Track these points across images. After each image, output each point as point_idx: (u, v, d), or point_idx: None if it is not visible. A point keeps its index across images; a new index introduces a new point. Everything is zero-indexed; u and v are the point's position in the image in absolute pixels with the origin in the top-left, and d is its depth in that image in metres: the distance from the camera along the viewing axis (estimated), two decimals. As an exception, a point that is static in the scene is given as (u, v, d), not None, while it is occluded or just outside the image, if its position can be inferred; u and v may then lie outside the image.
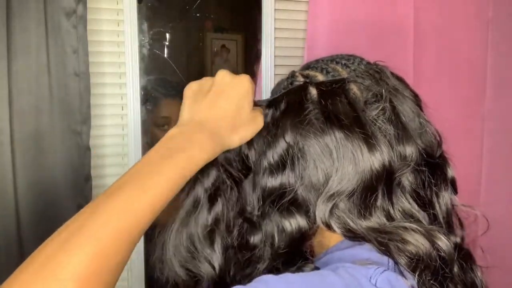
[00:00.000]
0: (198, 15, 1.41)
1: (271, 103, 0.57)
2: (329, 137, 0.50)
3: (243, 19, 1.53)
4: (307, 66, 0.59)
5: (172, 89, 1.38)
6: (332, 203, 0.50)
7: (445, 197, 0.55)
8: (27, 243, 1.01)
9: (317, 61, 0.59)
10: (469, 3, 1.46)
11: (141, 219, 0.45)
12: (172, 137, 0.51)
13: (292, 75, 0.59)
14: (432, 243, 0.48)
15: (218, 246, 0.55)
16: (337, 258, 0.51)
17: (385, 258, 0.49)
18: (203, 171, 0.55)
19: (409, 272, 0.47)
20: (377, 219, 0.49)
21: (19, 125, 1.00)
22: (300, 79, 0.57)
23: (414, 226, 0.49)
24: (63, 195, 1.04)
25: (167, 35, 1.35)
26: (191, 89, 0.56)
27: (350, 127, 0.50)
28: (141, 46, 1.24)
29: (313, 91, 0.54)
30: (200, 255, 0.55)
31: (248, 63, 1.52)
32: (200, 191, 0.56)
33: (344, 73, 0.55)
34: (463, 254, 0.56)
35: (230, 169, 0.57)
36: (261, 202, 0.54)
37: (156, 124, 1.36)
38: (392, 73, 0.58)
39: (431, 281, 0.48)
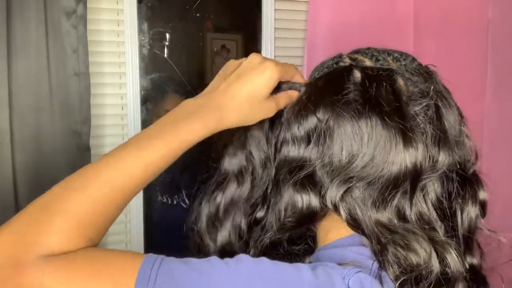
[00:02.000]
0: (198, 15, 1.41)
1: (311, 82, 0.55)
2: (365, 121, 0.48)
3: (243, 19, 1.53)
4: (357, 51, 0.57)
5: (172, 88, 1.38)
6: (347, 186, 0.48)
7: (470, 213, 0.51)
8: (27, 243, 1.01)
9: (368, 48, 0.57)
10: (469, 3, 1.46)
11: (133, 177, 0.46)
12: (184, 104, 0.52)
13: (339, 56, 0.56)
14: (441, 256, 0.46)
15: (235, 220, 0.56)
16: (327, 257, 0.50)
17: (371, 262, 0.47)
18: (236, 148, 0.56)
19: (392, 280, 0.45)
20: (389, 215, 0.47)
21: (19, 125, 1.00)
22: (347, 61, 0.55)
23: (425, 235, 0.46)
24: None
25: (167, 35, 1.35)
26: (227, 65, 0.56)
27: (390, 115, 0.48)
28: (141, 46, 1.24)
29: (357, 74, 0.51)
30: (221, 227, 0.56)
31: (248, 63, 1.52)
32: (230, 167, 0.57)
33: (393, 66, 0.53)
34: (478, 278, 0.53)
35: (263, 148, 0.57)
36: (278, 171, 0.53)
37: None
38: (441, 81, 0.57)
39: None
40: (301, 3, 1.34)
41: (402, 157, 0.47)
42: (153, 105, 1.34)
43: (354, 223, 0.48)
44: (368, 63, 0.54)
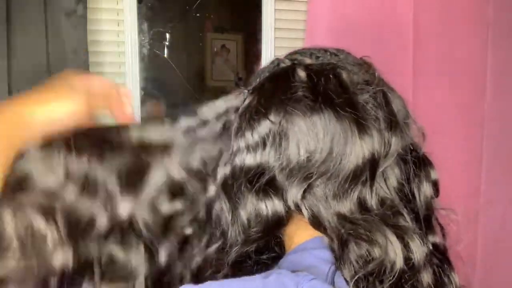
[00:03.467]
0: (198, 15, 1.41)
1: (254, 87, 0.53)
2: (318, 116, 0.47)
3: (243, 19, 1.53)
4: (294, 52, 0.56)
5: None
6: (307, 183, 0.47)
7: (426, 192, 0.51)
8: (27, 243, 1.01)
9: (304, 48, 0.57)
10: (469, 3, 1.46)
11: None
12: None
13: (277, 59, 0.56)
14: (405, 244, 0.46)
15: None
16: (289, 263, 0.49)
17: (328, 267, 0.46)
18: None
19: (347, 281, 0.44)
20: (350, 206, 0.46)
21: (19, 125, 1.00)
22: (287, 62, 0.54)
23: (389, 223, 0.46)
24: (63, 195, 1.04)
25: (167, 35, 1.35)
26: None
27: (342, 106, 0.47)
28: (141, 46, 1.24)
29: (302, 72, 0.50)
30: None
31: (248, 63, 1.52)
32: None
33: (333, 60, 0.53)
34: (442, 258, 0.52)
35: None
36: (234, 183, 0.50)
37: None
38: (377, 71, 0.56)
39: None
40: (301, 3, 1.34)
41: (359, 147, 0.46)
42: (153, 105, 1.34)
43: (316, 220, 0.47)
44: (308, 61, 0.53)
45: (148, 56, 1.30)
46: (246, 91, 0.53)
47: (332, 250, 0.47)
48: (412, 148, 0.51)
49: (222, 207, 0.50)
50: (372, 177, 0.47)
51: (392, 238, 0.45)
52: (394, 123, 0.49)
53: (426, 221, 0.50)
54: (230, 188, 0.50)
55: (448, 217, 0.55)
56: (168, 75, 1.38)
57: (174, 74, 1.36)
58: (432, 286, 0.47)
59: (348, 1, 1.29)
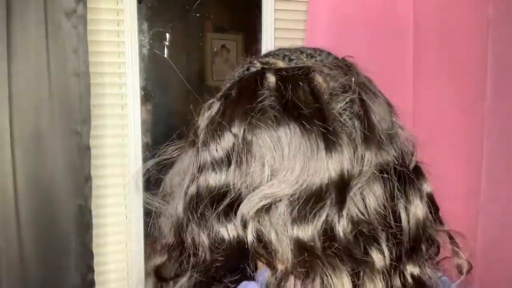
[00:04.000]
0: (198, 15, 1.41)
1: (222, 94, 0.48)
2: (283, 130, 0.42)
3: (243, 19, 1.53)
4: (268, 54, 0.51)
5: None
6: (261, 205, 0.41)
7: (417, 212, 0.44)
8: (27, 242, 1.01)
9: (279, 49, 0.52)
10: (469, 3, 1.46)
11: None
12: None
13: (249, 61, 0.51)
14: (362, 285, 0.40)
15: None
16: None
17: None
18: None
19: None
20: (312, 233, 0.40)
21: (19, 125, 1.00)
22: (258, 65, 0.49)
23: (350, 262, 0.40)
24: (63, 195, 1.04)
25: (167, 35, 1.35)
26: None
27: (309, 118, 0.42)
28: (141, 46, 1.24)
29: (271, 78, 0.45)
30: None
31: (248, 63, 1.52)
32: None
33: (309, 63, 0.48)
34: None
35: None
36: (197, 204, 0.45)
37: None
38: (361, 72, 0.50)
39: None
40: (301, 3, 1.34)
41: (324, 165, 0.41)
42: (153, 105, 1.34)
43: (262, 247, 0.42)
44: (281, 64, 0.48)
45: (148, 56, 1.30)
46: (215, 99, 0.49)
47: (268, 284, 0.42)
48: (398, 161, 0.45)
49: (190, 229, 0.46)
50: (341, 200, 0.41)
51: (344, 278, 0.40)
52: (369, 137, 0.43)
53: (411, 249, 0.44)
54: (195, 209, 0.45)
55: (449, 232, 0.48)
56: (168, 75, 1.37)
57: (174, 74, 1.36)
58: None
59: (348, 1, 1.29)
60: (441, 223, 0.47)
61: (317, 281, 0.39)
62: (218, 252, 0.44)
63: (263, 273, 0.43)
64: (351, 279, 0.40)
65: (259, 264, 0.47)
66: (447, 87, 1.44)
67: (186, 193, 0.46)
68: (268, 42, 1.32)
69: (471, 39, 1.47)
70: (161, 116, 1.38)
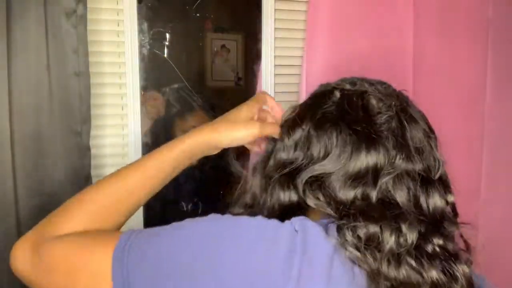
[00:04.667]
0: (198, 15, 1.41)
1: (301, 104, 0.68)
2: (335, 128, 0.60)
3: (243, 19, 1.53)
4: (340, 79, 0.69)
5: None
6: (311, 174, 0.59)
7: (436, 203, 0.58)
8: (27, 243, 1.01)
9: (352, 77, 0.69)
10: (469, 3, 1.46)
11: (132, 191, 0.66)
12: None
13: (327, 83, 0.69)
14: (399, 230, 0.53)
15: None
16: None
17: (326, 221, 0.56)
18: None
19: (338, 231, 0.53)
20: (355, 195, 0.56)
21: (19, 125, 1.00)
22: (330, 86, 0.67)
23: (388, 213, 0.54)
24: (63, 195, 1.04)
25: (167, 35, 1.35)
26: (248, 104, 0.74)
27: (358, 124, 0.59)
28: (141, 46, 1.24)
29: (337, 93, 0.64)
30: None
31: (248, 63, 1.52)
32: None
33: (367, 88, 0.64)
34: (450, 256, 0.56)
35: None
36: (270, 172, 0.64)
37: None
38: (413, 104, 0.67)
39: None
40: (301, 3, 1.34)
41: (364, 157, 0.57)
42: (153, 97, 1.34)
43: (317, 202, 0.58)
44: (347, 86, 0.65)
45: (148, 56, 1.30)
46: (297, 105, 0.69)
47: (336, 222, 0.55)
48: (422, 172, 0.58)
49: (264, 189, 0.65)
50: (375, 182, 0.56)
51: (390, 218, 0.53)
52: (402, 146, 0.58)
53: (432, 224, 0.56)
54: (270, 176, 0.64)
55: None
56: (168, 75, 1.38)
57: (174, 74, 1.36)
58: (439, 281, 0.52)
59: (348, 1, 1.29)
60: (457, 227, 0.60)
61: (368, 220, 0.53)
62: (277, 210, 0.62)
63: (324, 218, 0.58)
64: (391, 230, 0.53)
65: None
66: (447, 87, 1.44)
67: (264, 166, 0.66)
68: (268, 42, 1.32)
69: (471, 39, 1.47)
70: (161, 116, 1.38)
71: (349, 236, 0.52)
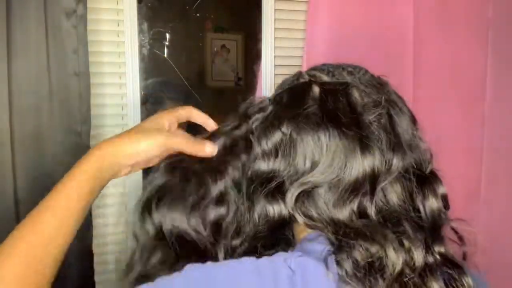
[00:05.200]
0: (198, 15, 1.41)
1: (275, 98, 0.60)
2: (323, 132, 0.53)
3: (243, 19, 1.53)
4: (314, 68, 0.62)
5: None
6: (302, 189, 0.52)
7: (432, 206, 0.54)
8: (27, 243, 1.01)
9: (323, 64, 0.62)
10: (469, 3, 1.46)
11: (50, 238, 0.58)
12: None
13: (299, 73, 0.62)
14: (408, 251, 0.49)
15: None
16: None
17: (322, 247, 0.50)
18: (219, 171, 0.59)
19: (338, 263, 0.48)
20: (350, 213, 0.51)
21: (19, 125, 1.00)
22: (306, 77, 0.60)
23: (387, 229, 0.50)
24: (63, 195, 1.04)
25: (167, 35, 1.36)
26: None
27: (347, 126, 0.53)
28: (141, 46, 1.24)
29: (316, 89, 0.57)
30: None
31: (248, 63, 1.52)
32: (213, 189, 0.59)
33: (348, 79, 0.58)
34: (452, 265, 0.54)
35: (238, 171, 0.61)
36: (250, 185, 0.57)
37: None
38: (393, 89, 0.61)
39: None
40: (301, 3, 1.34)
41: (360, 163, 0.52)
42: (153, 105, 1.34)
43: (311, 222, 0.52)
44: (325, 78, 0.59)
45: (148, 56, 1.30)
46: (267, 99, 0.61)
47: (332, 242, 0.50)
48: (416, 167, 0.55)
49: (243, 206, 0.58)
50: (372, 191, 0.51)
51: (392, 238, 0.48)
52: (395, 144, 0.54)
53: (432, 232, 0.53)
54: (249, 190, 0.57)
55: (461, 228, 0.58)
56: (168, 75, 1.38)
57: (174, 74, 1.36)
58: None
59: (348, 1, 1.29)
60: (449, 223, 0.56)
61: (370, 241, 0.48)
62: (263, 225, 0.55)
63: (316, 233, 0.52)
64: (394, 246, 0.49)
65: (296, 238, 0.58)
66: (447, 87, 1.44)
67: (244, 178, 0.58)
68: (268, 42, 1.32)
69: (471, 39, 1.47)
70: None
71: (348, 267, 0.47)
